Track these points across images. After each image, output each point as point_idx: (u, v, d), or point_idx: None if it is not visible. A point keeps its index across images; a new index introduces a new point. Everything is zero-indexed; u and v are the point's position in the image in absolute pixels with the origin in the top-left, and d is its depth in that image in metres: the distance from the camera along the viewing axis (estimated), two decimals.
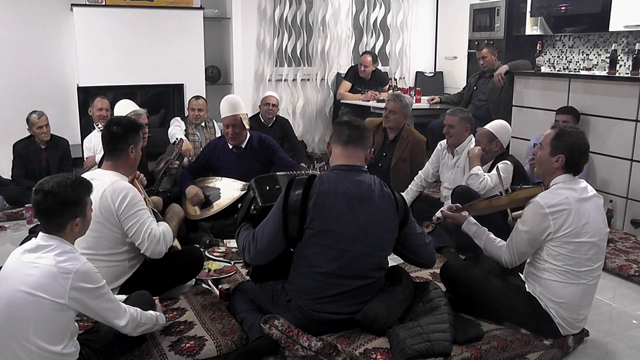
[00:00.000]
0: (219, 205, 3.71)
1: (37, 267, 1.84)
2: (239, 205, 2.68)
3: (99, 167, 2.84)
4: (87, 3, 5.11)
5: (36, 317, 1.81)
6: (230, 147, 3.93)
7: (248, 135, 3.95)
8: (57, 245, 1.89)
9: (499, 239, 2.58)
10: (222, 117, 3.87)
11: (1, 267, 2.91)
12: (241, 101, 3.94)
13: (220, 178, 3.86)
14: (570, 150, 2.34)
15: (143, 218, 2.51)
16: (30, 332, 1.81)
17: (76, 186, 1.93)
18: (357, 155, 2.31)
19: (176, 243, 2.79)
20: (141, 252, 2.55)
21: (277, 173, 2.71)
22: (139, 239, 2.50)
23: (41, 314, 1.81)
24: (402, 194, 2.50)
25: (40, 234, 1.94)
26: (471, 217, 2.70)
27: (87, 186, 1.99)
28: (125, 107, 4.09)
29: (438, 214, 3.69)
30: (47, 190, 1.88)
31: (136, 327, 2.07)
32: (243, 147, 3.93)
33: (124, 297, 2.29)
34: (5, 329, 1.84)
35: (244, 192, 3.64)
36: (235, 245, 3.45)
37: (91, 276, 1.89)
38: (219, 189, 3.79)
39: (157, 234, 2.53)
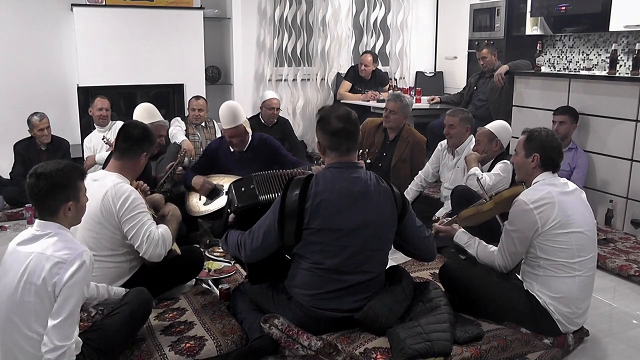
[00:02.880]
0: (222, 202, 3.70)
1: (36, 255, 1.86)
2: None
3: (103, 167, 2.84)
4: (87, 3, 5.12)
5: (38, 306, 1.82)
6: (232, 150, 3.93)
7: (250, 138, 3.96)
8: (54, 232, 1.91)
9: (491, 245, 2.61)
10: (223, 127, 3.83)
11: None
12: (240, 108, 3.85)
13: (223, 175, 3.86)
14: (543, 148, 2.45)
15: (142, 220, 2.50)
16: (32, 322, 1.82)
17: (68, 170, 1.95)
18: (353, 156, 2.33)
19: (175, 247, 2.77)
20: (140, 254, 2.54)
21: (254, 174, 2.70)
22: (137, 241, 2.50)
23: (43, 303, 1.82)
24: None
25: (36, 221, 1.95)
26: (462, 228, 2.76)
27: (80, 171, 2.01)
28: (149, 115, 3.90)
29: (439, 213, 3.71)
30: (39, 172, 1.91)
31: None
32: (245, 150, 3.93)
33: (123, 290, 2.35)
34: (8, 320, 1.85)
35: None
36: None
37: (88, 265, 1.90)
38: (223, 185, 3.79)
39: (155, 236, 2.52)
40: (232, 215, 2.55)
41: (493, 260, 2.54)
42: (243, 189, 2.58)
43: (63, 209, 1.94)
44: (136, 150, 2.62)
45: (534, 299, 2.39)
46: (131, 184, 2.63)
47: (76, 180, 1.98)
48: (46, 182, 1.90)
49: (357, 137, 2.32)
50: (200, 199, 3.77)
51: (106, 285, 2.31)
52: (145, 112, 3.94)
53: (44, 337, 1.82)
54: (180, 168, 3.87)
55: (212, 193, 3.77)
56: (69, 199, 1.95)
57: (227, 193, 2.64)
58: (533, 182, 2.48)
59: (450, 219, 2.88)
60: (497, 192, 2.68)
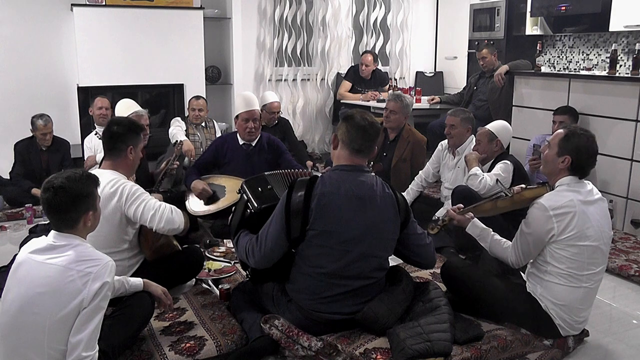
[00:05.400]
0: (223, 203, 3.70)
1: (59, 269, 1.82)
2: (233, 208, 2.65)
3: (99, 167, 2.85)
4: (87, 3, 5.12)
5: (58, 319, 1.80)
6: (241, 143, 3.93)
7: (259, 133, 3.98)
8: (74, 244, 1.89)
9: (504, 240, 2.56)
10: (239, 112, 3.89)
11: (5, 266, 2.94)
12: (256, 98, 4.00)
13: (225, 176, 3.86)
14: (577, 153, 2.33)
15: (147, 198, 2.55)
16: (45, 334, 1.79)
17: (85, 179, 1.93)
18: (362, 160, 2.31)
19: (176, 243, 2.79)
20: (154, 227, 2.54)
21: (265, 173, 2.69)
22: (149, 214, 2.51)
23: (65, 317, 1.80)
24: (402, 194, 2.48)
25: (53, 232, 1.92)
26: (476, 219, 2.67)
27: (95, 179, 2.00)
28: (126, 108, 4.08)
29: (439, 213, 3.71)
30: (57, 186, 1.86)
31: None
32: (253, 144, 3.94)
33: (140, 281, 2.32)
34: (18, 331, 1.82)
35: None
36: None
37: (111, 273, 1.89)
38: (224, 186, 3.78)
39: (166, 206, 2.56)
40: (248, 213, 2.50)
41: (506, 257, 2.50)
42: (260, 189, 2.55)
43: (83, 219, 1.92)
44: (120, 146, 2.61)
45: (536, 301, 2.37)
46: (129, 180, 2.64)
47: (93, 189, 1.96)
48: (65, 195, 1.86)
49: (371, 144, 2.29)
50: (201, 199, 3.77)
51: (122, 278, 2.27)
52: (123, 107, 4.08)
53: (69, 350, 1.79)
54: (176, 163, 3.87)
55: (214, 193, 3.77)
56: (89, 209, 1.93)
57: (239, 192, 2.62)
58: (557, 184, 2.39)
59: (466, 208, 2.76)
60: (518, 190, 2.55)
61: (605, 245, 2.36)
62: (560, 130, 2.43)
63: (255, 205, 2.47)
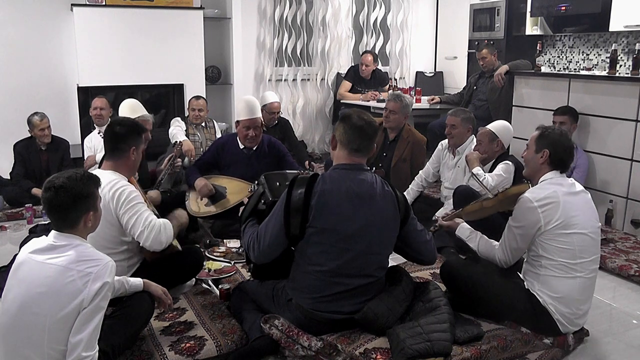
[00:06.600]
0: (224, 204, 3.69)
1: (59, 269, 1.82)
2: (245, 200, 2.66)
3: (99, 167, 2.85)
4: (87, 3, 5.12)
5: (58, 319, 1.80)
6: (241, 147, 3.93)
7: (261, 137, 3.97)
8: (74, 244, 1.89)
9: (493, 240, 2.61)
10: (241, 118, 3.82)
11: (5, 266, 2.94)
12: (259, 103, 3.96)
13: (227, 177, 3.85)
14: (554, 146, 2.45)
15: (141, 210, 2.51)
16: (45, 334, 1.80)
17: (86, 179, 1.93)
18: (361, 159, 2.32)
19: (176, 243, 2.79)
20: (141, 244, 2.52)
21: (287, 171, 2.72)
22: (138, 230, 2.49)
23: (65, 317, 1.80)
24: (402, 193, 2.50)
25: (53, 232, 1.92)
26: (464, 222, 2.76)
27: (96, 180, 1.99)
28: (132, 111, 4.00)
29: (439, 213, 3.71)
30: (58, 185, 1.86)
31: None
32: (254, 148, 3.93)
33: (140, 281, 2.31)
34: (16, 331, 1.82)
35: (251, 193, 3.63)
36: (236, 245, 3.48)
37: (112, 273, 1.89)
38: (226, 188, 3.78)
39: (156, 224, 2.52)
40: (261, 204, 2.52)
41: (494, 255, 2.54)
42: (278, 184, 2.57)
43: (84, 219, 1.92)
44: (123, 147, 2.60)
45: (535, 298, 2.39)
46: (130, 181, 2.64)
47: (94, 189, 1.96)
48: (66, 194, 1.86)
49: (369, 143, 2.30)
50: (202, 199, 3.77)
51: (122, 278, 2.27)
52: (127, 109, 4.01)
53: (69, 350, 1.79)
54: (178, 161, 3.86)
55: (214, 194, 3.76)
56: (89, 209, 1.93)
57: (258, 183, 2.65)
58: (540, 180, 2.48)
59: (454, 212, 2.87)
60: (502, 189, 2.65)
61: (594, 234, 2.41)
62: (534, 132, 2.57)
63: (269, 198, 2.50)
